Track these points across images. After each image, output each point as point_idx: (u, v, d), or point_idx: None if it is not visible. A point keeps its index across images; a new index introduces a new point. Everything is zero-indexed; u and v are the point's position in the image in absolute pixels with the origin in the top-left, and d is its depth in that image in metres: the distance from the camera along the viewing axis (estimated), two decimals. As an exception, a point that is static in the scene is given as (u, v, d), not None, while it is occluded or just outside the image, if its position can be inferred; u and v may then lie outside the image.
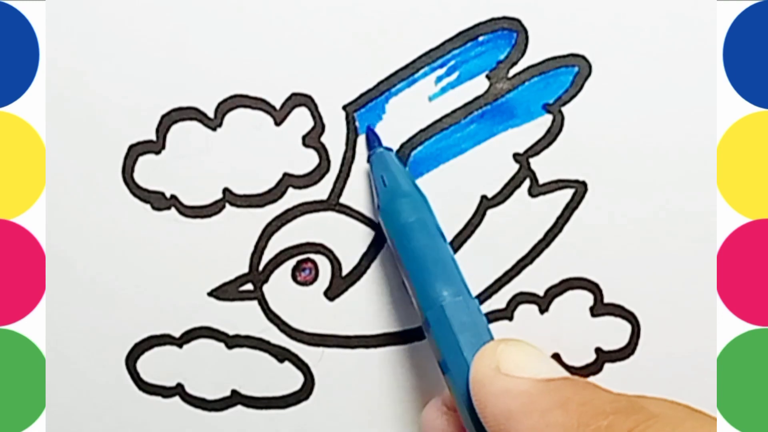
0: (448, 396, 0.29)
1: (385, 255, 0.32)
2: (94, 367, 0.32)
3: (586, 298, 0.32)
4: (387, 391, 0.33)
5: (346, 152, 0.32)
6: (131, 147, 0.31)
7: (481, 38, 0.31)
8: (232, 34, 0.31)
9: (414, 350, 0.32)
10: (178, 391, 0.33)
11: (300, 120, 0.31)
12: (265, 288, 0.32)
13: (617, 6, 0.31)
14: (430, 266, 0.29)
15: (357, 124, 0.31)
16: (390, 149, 0.31)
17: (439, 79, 0.31)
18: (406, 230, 0.29)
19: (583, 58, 0.31)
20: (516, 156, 0.31)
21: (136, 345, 0.32)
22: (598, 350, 0.32)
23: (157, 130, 0.31)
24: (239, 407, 0.33)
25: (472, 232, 0.32)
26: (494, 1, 0.31)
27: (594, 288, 0.32)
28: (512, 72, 0.31)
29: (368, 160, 0.31)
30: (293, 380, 0.33)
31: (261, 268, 0.32)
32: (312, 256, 0.32)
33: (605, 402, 0.25)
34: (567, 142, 0.31)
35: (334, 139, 0.31)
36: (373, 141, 0.31)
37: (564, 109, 0.31)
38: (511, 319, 0.32)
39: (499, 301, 0.32)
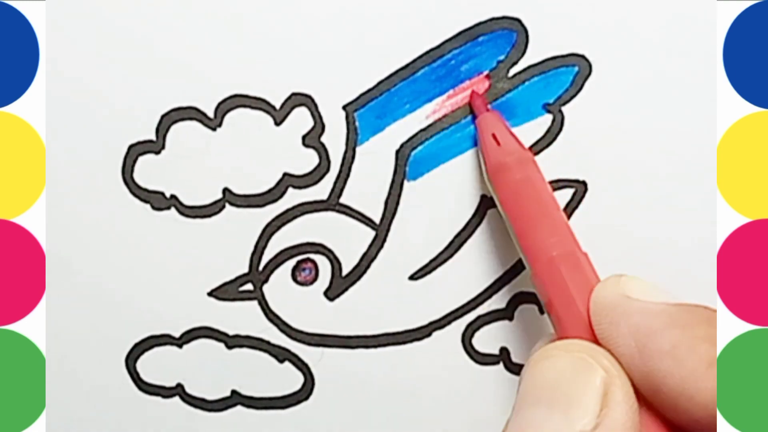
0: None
1: (385, 254, 0.32)
2: (94, 367, 0.32)
3: (586, 298, 0.32)
4: (387, 391, 0.32)
5: (346, 152, 0.32)
6: (131, 147, 0.31)
7: (481, 38, 0.31)
8: (232, 34, 0.31)
9: (414, 350, 0.32)
10: (178, 391, 0.33)
11: (300, 120, 0.31)
12: (265, 288, 0.32)
13: (617, 6, 0.31)
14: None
15: (357, 124, 0.31)
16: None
17: (440, 79, 0.31)
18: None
19: (583, 58, 0.31)
20: (516, 156, 0.31)
21: (136, 345, 0.32)
22: (598, 350, 0.32)
23: (157, 130, 0.31)
24: (239, 407, 0.33)
25: (472, 232, 0.32)
26: (494, 1, 0.31)
27: (594, 288, 0.32)
28: (512, 72, 0.31)
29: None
30: (293, 380, 0.33)
31: (261, 268, 0.32)
32: (312, 256, 0.32)
33: None
34: (567, 142, 0.31)
35: (334, 139, 0.31)
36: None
37: (564, 109, 0.31)
38: (511, 319, 0.32)
39: (499, 301, 0.32)
